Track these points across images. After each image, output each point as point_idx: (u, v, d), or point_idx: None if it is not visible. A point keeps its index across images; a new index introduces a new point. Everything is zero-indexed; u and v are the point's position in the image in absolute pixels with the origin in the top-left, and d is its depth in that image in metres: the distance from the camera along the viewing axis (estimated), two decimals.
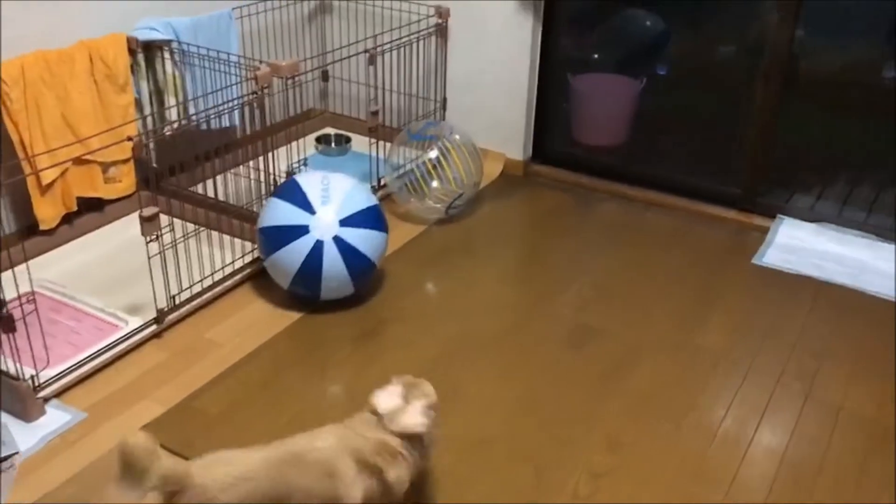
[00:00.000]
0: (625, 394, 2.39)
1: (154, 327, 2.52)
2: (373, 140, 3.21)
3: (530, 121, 3.59)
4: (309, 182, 2.64)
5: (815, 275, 2.98)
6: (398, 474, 1.80)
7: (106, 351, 2.40)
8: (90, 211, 2.97)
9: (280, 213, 2.59)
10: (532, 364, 2.52)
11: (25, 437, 2.15)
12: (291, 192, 2.62)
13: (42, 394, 2.23)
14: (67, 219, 2.90)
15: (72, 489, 2.01)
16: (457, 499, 2.02)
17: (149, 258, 2.41)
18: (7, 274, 2.16)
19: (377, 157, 3.26)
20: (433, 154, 3.14)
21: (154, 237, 2.39)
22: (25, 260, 2.23)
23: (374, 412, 1.85)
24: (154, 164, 3.05)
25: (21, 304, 2.24)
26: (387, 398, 1.87)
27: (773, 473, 2.13)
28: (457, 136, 3.21)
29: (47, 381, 2.25)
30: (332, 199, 2.58)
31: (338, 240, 2.55)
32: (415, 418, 1.83)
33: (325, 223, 2.55)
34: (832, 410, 2.35)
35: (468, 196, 3.25)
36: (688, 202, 3.41)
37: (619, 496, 2.05)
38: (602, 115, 3.90)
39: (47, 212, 2.77)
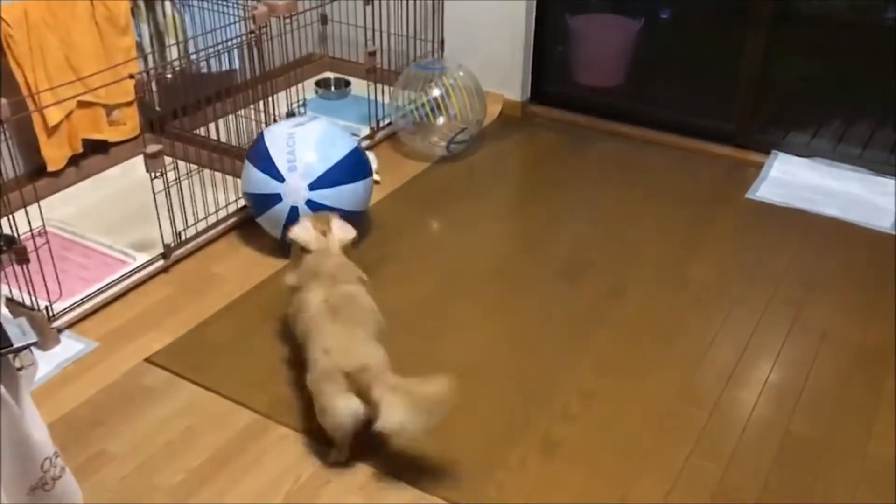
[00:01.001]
0: (615, 322, 2.48)
1: (161, 262, 2.61)
2: (370, 82, 3.25)
3: (528, 62, 3.62)
4: (275, 144, 2.61)
5: (807, 208, 3.03)
6: (364, 274, 2.22)
7: (116, 284, 2.50)
8: (96, 153, 3.04)
9: (253, 180, 2.64)
10: (525, 296, 2.61)
11: (43, 364, 2.24)
12: (261, 159, 2.62)
13: (56, 324, 2.33)
14: (74, 161, 2.97)
15: (86, 412, 2.12)
16: (449, 419, 2.12)
17: (154, 195, 2.48)
18: (19, 214, 2.25)
19: (375, 100, 3.31)
20: (437, 91, 3.18)
21: (158, 174, 2.46)
22: (37, 199, 2.31)
23: (304, 249, 2.20)
24: (157, 107, 3.12)
25: (34, 239, 2.33)
26: (304, 232, 2.23)
27: (756, 394, 2.22)
28: (461, 73, 3.26)
29: (61, 311, 2.35)
30: (298, 162, 2.58)
31: (311, 203, 2.57)
32: (344, 230, 2.26)
33: (294, 190, 2.57)
34: (817, 335, 2.43)
35: (471, 133, 3.31)
36: (684, 140, 3.46)
37: (608, 414, 2.15)
38: (600, 55, 3.92)
39: (54, 153, 2.85)
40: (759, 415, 2.16)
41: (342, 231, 2.25)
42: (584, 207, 3.06)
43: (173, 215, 2.60)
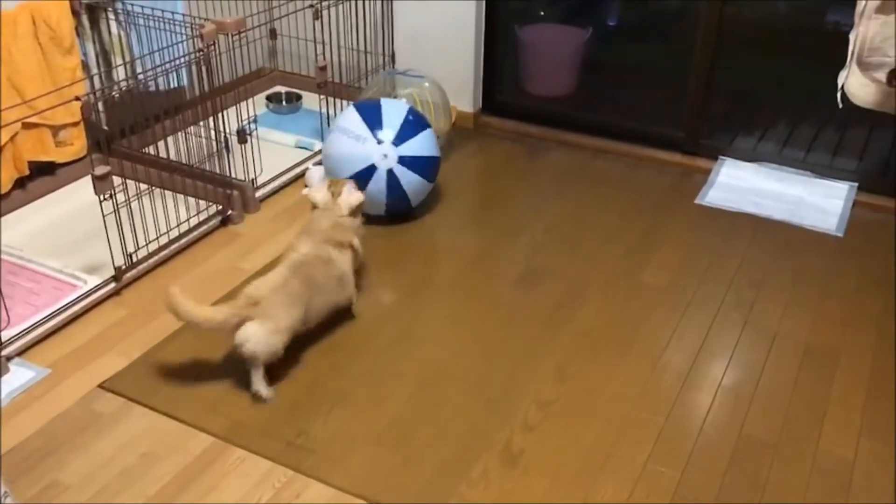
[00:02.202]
0: (572, 330, 2.50)
1: (113, 285, 2.57)
2: (322, 95, 3.24)
3: (479, 73, 3.65)
4: (350, 123, 2.92)
5: (754, 211, 3.10)
6: (356, 241, 2.49)
7: (66, 309, 2.45)
8: (43, 175, 2.99)
9: (346, 160, 2.88)
10: (484, 305, 2.62)
11: None
12: (350, 136, 2.89)
13: (5, 352, 2.28)
14: (20, 183, 2.91)
15: (37, 441, 2.07)
16: (412, 432, 2.12)
17: (103, 216, 2.44)
18: None
19: (327, 113, 3.31)
20: (403, 100, 3.19)
21: (107, 196, 2.42)
22: None
23: (314, 206, 2.50)
24: (104, 127, 3.07)
25: None
26: (318, 193, 2.51)
27: (711, 397, 2.26)
28: (426, 85, 3.27)
29: (9, 339, 2.30)
30: (376, 131, 2.89)
31: (403, 159, 2.88)
32: (353, 195, 2.51)
33: (386, 153, 2.87)
34: (768, 336, 2.49)
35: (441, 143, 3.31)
36: (634, 147, 3.51)
37: (568, 422, 2.17)
38: (550, 65, 3.97)
39: None
40: (714, 418, 2.19)
41: (350, 195, 2.51)
42: (538, 216, 3.09)
43: (124, 237, 2.56)
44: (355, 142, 2.85)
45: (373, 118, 2.89)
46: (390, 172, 2.85)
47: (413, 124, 2.92)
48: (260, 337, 2.12)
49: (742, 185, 3.27)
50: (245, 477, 1.99)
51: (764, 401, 2.25)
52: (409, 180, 2.89)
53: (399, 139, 2.86)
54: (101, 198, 2.42)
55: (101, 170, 2.38)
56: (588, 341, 2.46)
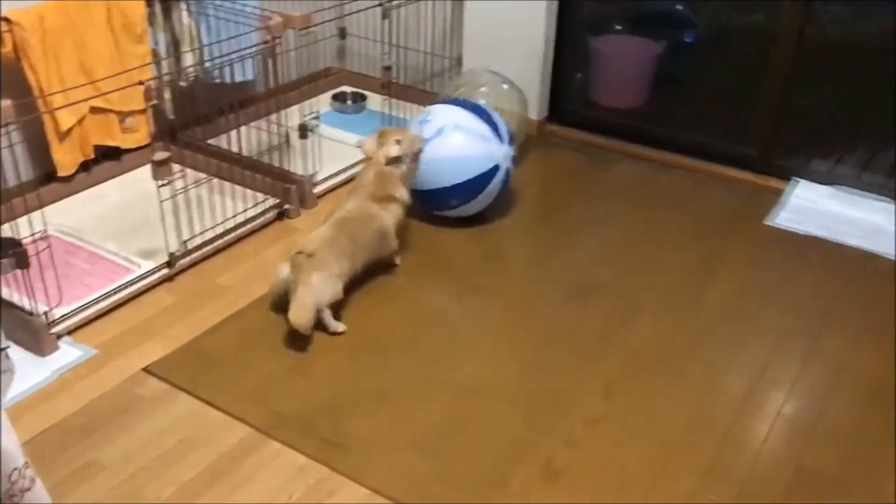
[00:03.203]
0: (624, 347, 2.41)
1: (166, 271, 2.58)
2: (385, 96, 3.22)
3: (546, 80, 3.58)
4: (471, 128, 2.84)
5: (827, 236, 2.95)
6: (401, 192, 2.64)
7: (118, 291, 2.47)
8: (108, 160, 3.03)
9: (468, 168, 2.82)
10: (533, 315, 2.55)
11: (39, 370, 2.22)
12: (475, 142, 2.83)
13: (55, 330, 2.30)
14: (85, 167, 2.96)
15: (79, 420, 2.08)
16: (450, 439, 2.06)
17: (160, 202, 2.46)
18: (24, 219, 2.23)
19: (390, 115, 3.28)
20: (482, 101, 3.13)
21: (166, 182, 2.44)
22: (40, 204, 2.30)
23: (367, 158, 2.65)
24: (171, 116, 3.11)
25: (36, 244, 2.30)
26: (369, 144, 2.63)
27: (768, 426, 2.14)
28: (504, 87, 3.22)
29: (60, 317, 2.32)
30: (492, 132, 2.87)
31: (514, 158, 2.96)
32: (390, 148, 2.60)
33: (502, 153, 2.87)
34: (833, 368, 2.35)
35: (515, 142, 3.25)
36: (703, 163, 3.39)
37: (614, 441, 2.08)
38: (621, 77, 3.87)
39: (65, 158, 2.84)
40: (770, 447, 2.08)
41: (390, 147, 2.61)
42: (598, 228, 3.00)
43: (180, 224, 2.57)
44: (482, 141, 2.80)
45: (488, 117, 2.86)
46: (507, 173, 2.87)
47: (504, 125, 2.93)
48: (323, 285, 2.33)
49: (815, 207, 3.12)
50: (279, 471, 1.96)
51: (826, 434, 2.12)
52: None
53: (509, 139, 2.90)
54: (160, 183, 2.43)
55: (160, 155, 2.39)
56: (640, 359, 2.36)
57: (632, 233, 2.98)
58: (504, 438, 2.08)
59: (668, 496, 1.92)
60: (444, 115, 2.86)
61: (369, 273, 2.58)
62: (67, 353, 2.29)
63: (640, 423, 2.14)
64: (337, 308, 2.42)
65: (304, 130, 2.94)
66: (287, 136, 2.91)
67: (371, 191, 2.57)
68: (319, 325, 2.37)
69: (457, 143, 2.81)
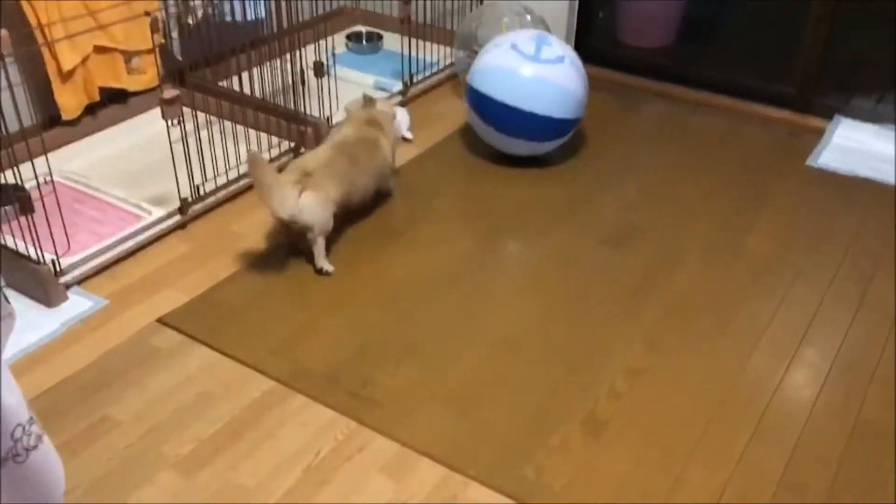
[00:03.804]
0: (665, 295, 2.27)
1: (178, 218, 2.45)
2: (403, 34, 3.04)
3: (573, 18, 3.39)
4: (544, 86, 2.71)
5: (873, 176, 2.79)
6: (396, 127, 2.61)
7: (129, 239, 2.34)
8: (114, 103, 2.88)
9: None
10: (569, 262, 2.41)
11: (48, 322, 2.11)
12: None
13: (63, 279, 2.18)
14: (91, 110, 2.81)
15: (91, 374, 1.97)
16: (484, 394, 1.94)
17: (170, 144, 2.31)
18: (28, 165, 2.09)
19: (409, 54, 3.11)
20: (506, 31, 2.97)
21: (175, 122, 2.29)
22: (44, 149, 2.16)
23: (369, 101, 2.57)
24: (178, 56, 2.95)
25: (40, 190, 2.17)
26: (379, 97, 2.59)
27: (822, 377, 2.01)
28: (528, 17, 3.05)
29: (69, 266, 2.20)
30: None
31: None
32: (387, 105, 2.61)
33: None
34: (888, 315, 2.21)
35: None
36: (738, 102, 3.22)
37: (659, 394, 1.96)
38: (651, 13, 3.67)
39: (69, 101, 2.69)
40: (826, 400, 1.95)
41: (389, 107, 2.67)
42: (631, 172, 2.84)
43: (191, 168, 2.43)
44: (585, 90, 2.78)
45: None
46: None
47: None
48: (316, 206, 2.21)
49: (860, 147, 2.95)
50: (305, 426, 1.85)
51: (884, 384, 1.99)
52: None
53: None
54: (170, 123, 2.29)
55: (169, 93, 2.24)
56: (683, 309, 2.23)
57: (667, 176, 2.82)
58: (542, 391, 1.96)
59: (719, 452, 1.81)
60: (566, 48, 2.76)
61: (365, 209, 2.51)
62: (77, 304, 2.17)
63: (685, 375, 2.01)
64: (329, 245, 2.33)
65: (319, 68, 2.78)
66: (302, 74, 2.75)
67: (370, 119, 2.51)
68: (308, 256, 2.29)
69: (572, 81, 2.70)
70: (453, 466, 1.76)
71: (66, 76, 2.64)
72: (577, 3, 3.36)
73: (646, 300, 2.25)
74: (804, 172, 2.85)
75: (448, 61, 3.34)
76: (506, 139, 2.75)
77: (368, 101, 2.57)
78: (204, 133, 2.46)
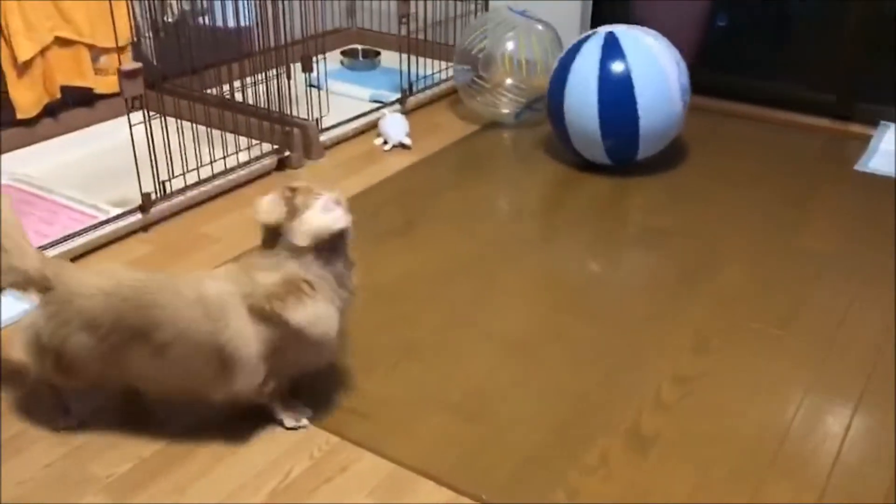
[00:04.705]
0: (713, 294, 1.92)
1: (139, 216, 2.11)
2: (403, 32, 2.78)
3: (586, 22, 3.13)
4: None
5: None
6: (307, 313, 1.37)
7: (77, 237, 1.99)
8: (79, 106, 2.58)
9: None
10: (594, 262, 2.06)
11: None
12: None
13: None
14: (52, 112, 2.51)
15: None
16: (500, 400, 1.57)
17: (130, 127, 1.99)
18: None
19: (409, 61, 2.84)
20: (511, 45, 2.69)
21: (137, 103, 1.98)
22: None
23: (272, 228, 1.41)
24: (154, 62, 2.66)
25: None
26: (269, 208, 1.40)
27: None
28: (539, 27, 2.78)
29: None
30: None
31: None
32: (320, 217, 1.38)
33: None
34: None
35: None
36: (773, 112, 2.92)
37: (717, 402, 1.58)
38: (673, 15, 3.39)
39: (25, 96, 2.39)
40: None
41: (319, 217, 1.41)
42: (658, 176, 2.51)
43: (156, 162, 2.10)
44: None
45: None
46: None
47: None
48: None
49: None
50: (276, 441, 1.47)
51: None
52: None
53: None
54: (130, 105, 1.98)
55: (130, 66, 1.94)
56: (734, 309, 1.86)
57: (703, 178, 2.50)
58: (569, 399, 1.58)
59: (803, 466, 1.41)
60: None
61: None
62: (10, 307, 1.80)
63: (748, 381, 1.64)
64: None
65: (307, 62, 2.49)
66: (288, 69, 2.46)
67: (253, 297, 1.38)
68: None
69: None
70: (461, 489, 1.37)
71: (21, 69, 2.35)
72: (589, 9, 3.11)
73: (690, 300, 1.89)
74: (853, 176, 2.52)
75: (449, 75, 3.05)
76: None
77: (295, 190, 1.42)
78: (173, 133, 2.14)
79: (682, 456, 1.45)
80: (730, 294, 1.92)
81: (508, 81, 2.73)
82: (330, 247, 1.41)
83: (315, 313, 1.38)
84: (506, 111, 2.78)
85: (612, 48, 2.39)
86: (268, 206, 1.40)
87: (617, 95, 2.34)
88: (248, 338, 1.37)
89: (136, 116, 1.99)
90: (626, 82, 2.33)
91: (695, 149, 2.69)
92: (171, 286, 1.40)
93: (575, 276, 2.01)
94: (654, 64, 2.38)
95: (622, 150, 2.42)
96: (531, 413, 1.54)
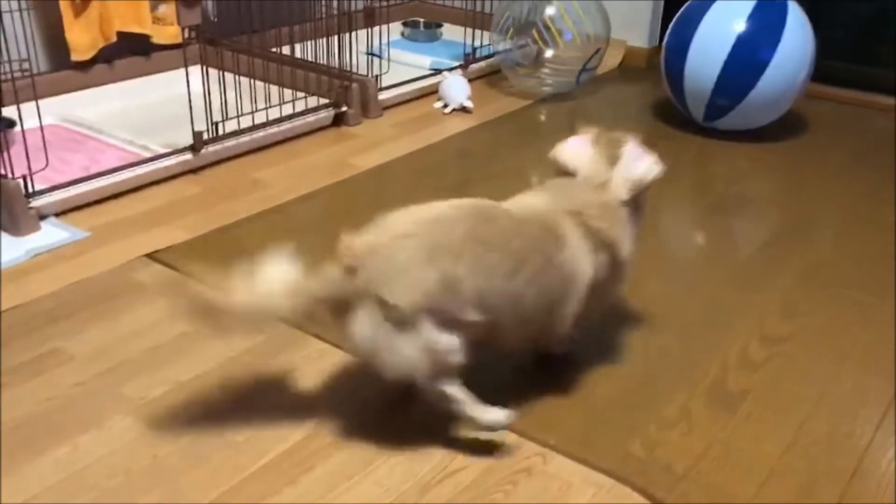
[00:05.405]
0: (801, 260, 1.76)
1: (189, 156, 2.02)
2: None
3: (658, 1, 3.00)
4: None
5: None
6: (629, 250, 1.26)
7: (123, 171, 1.91)
8: (135, 54, 2.52)
9: None
10: (676, 226, 1.92)
11: (10, 249, 1.66)
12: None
13: (37, 203, 1.74)
14: (108, 59, 2.45)
15: (49, 304, 1.50)
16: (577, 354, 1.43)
17: (185, 55, 1.90)
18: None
19: (473, 29, 2.73)
20: (551, 10, 2.58)
21: (193, 34, 1.89)
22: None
23: (568, 172, 1.28)
24: (213, 17, 2.59)
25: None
26: (577, 150, 1.28)
27: None
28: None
29: (44, 189, 1.76)
30: None
31: None
32: (647, 163, 1.28)
33: None
34: None
35: (601, 55, 2.67)
36: (839, 91, 2.75)
37: (809, 366, 1.42)
38: None
39: (81, 38, 2.32)
40: None
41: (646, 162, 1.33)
42: (739, 145, 2.36)
43: (209, 102, 2.01)
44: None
45: None
46: None
47: None
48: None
49: None
50: (319, 369, 1.35)
51: None
52: None
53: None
54: (186, 35, 1.89)
55: None
56: (824, 275, 1.70)
57: (782, 153, 2.34)
58: (642, 353, 1.43)
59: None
60: None
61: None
62: (50, 234, 1.72)
63: (841, 347, 1.47)
64: None
65: (370, 17, 2.38)
66: (350, 20, 2.35)
67: (586, 216, 1.23)
68: None
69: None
70: (526, 434, 1.23)
71: (78, 9, 2.28)
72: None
73: (776, 267, 1.73)
74: None
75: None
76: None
77: (603, 139, 1.31)
78: (230, 87, 2.05)
79: (772, 414, 1.30)
80: (820, 262, 1.76)
81: (549, 54, 2.61)
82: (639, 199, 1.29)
83: (632, 252, 1.27)
84: (564, 80, 2.65)
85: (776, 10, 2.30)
86: (575, 148, 1.29)
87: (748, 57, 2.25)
88: (583, 260, 1.20)
89: (194, 70, 1.90)
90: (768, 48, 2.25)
91: (765, 132, 2.53)
92: (497, 209, 1.21)
93: (658, 236, 1.86)
94: (806, 41, 2.30)
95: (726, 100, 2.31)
96: (598, 363, 1.40)
